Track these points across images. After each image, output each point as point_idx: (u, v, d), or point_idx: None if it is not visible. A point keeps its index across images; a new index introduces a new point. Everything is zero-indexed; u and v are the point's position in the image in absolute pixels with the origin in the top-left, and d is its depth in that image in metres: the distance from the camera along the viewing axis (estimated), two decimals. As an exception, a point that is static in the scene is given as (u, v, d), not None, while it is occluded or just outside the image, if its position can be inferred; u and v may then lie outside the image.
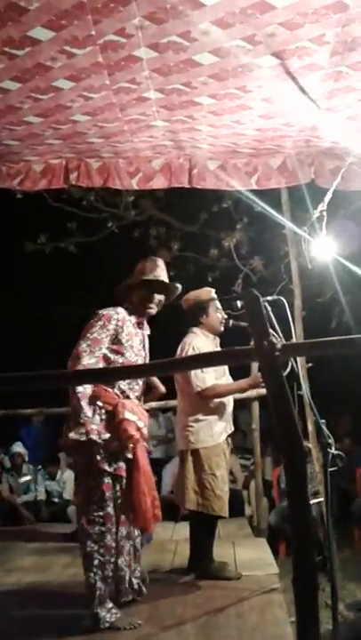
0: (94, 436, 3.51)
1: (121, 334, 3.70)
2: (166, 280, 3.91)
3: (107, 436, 3.58)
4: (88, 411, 3.54)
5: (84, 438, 3.49)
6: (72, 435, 3.50)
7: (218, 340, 4.56)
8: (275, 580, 4.19)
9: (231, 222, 8.71)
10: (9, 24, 2.76)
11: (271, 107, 3.63)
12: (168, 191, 6.99)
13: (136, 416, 3.69)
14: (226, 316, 4.45)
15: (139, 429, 3.70)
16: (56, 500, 7.57)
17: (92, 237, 9.38)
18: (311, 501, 3.91)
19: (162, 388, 5.00)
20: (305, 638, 1.58)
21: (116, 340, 3.69)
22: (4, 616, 3.83)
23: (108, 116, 3.75)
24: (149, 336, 3.98)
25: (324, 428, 3.42)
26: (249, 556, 4.82)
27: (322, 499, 4.39)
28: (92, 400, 3.60)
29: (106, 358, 3.66)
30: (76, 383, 3.44)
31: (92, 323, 3.70)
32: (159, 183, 4.70)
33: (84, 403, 3.53)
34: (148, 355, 3.94)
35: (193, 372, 4.27)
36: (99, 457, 3.54)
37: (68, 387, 3.56)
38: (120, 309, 3.77)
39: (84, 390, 3.56)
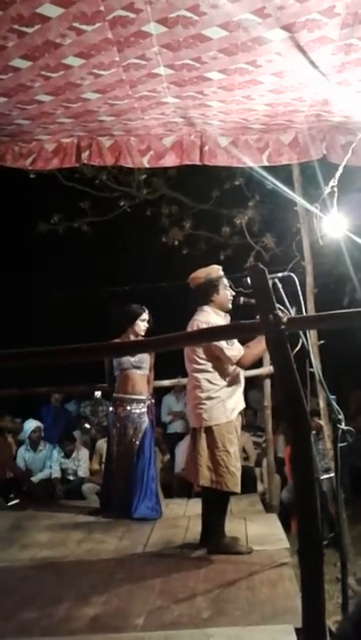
0: None
1: None
2: None
3: None
4: None
5: None
6: None
7: (228, 317, 4.55)
8: (285, 555, 4.22)
9: (243, 200, 8.68)
10: (18, 1, 2.75)
11: (282, 81, 3.60)
12: (180, 169, 6.97)
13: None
14: (234, 293, 4.44)
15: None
16: (71, 477, 7.64)
17: (105, 217, 9.40)
18: (322, 477, 3.92)
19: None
20: (310, 605, 1.61)
21: None
22: (18, 590, 3.90)
23: (118, 94, 3.73)
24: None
25: (334, 404, 3.42)
26: (260, 531, 4.86)
27: (333, 474, 4.41)
28: None
29: None
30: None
31: None
32: (170, 161, 4.68)
33: None
34: None
35: (222, 346, 4.25)
36: None
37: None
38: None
39: None
